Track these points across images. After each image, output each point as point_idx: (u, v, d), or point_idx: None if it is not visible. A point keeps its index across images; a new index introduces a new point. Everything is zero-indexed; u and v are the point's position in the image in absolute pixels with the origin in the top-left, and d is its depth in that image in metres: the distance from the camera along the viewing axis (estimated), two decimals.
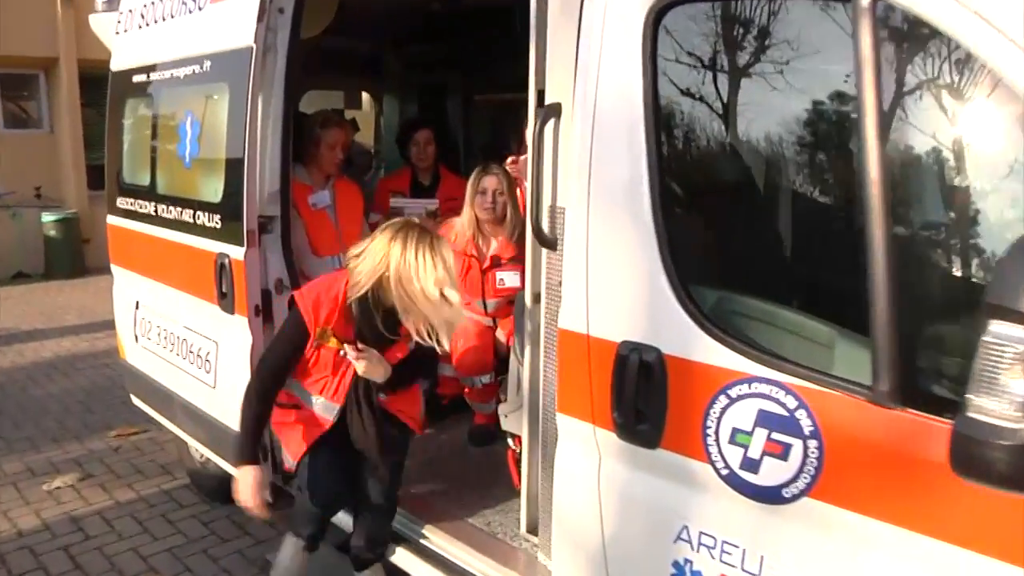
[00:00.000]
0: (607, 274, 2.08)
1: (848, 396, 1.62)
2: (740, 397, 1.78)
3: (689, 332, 1.87)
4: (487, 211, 3.77)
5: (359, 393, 2.75)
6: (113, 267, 4.62)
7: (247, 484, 2.69)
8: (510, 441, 3.13)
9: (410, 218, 3.02)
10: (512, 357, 3.03)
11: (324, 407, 2.79)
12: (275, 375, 2.74)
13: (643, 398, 1.96)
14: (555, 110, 2.40)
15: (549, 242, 2.46)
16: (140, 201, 4.15)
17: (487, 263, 3.83)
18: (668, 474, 1.96)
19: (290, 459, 2.91)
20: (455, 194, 4.45)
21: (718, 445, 1.82)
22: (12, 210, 11.21)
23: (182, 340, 3.91)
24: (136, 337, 4.40)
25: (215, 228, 3.49)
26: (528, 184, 2.51)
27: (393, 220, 2.70)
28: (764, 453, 1.74)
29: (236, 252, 3.35)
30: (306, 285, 2.83)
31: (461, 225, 3.88)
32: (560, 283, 2.25)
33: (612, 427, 2.05)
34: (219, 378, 3.64)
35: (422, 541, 3.04)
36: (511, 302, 3.77)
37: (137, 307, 4.36)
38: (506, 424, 3.05)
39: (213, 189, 3.49)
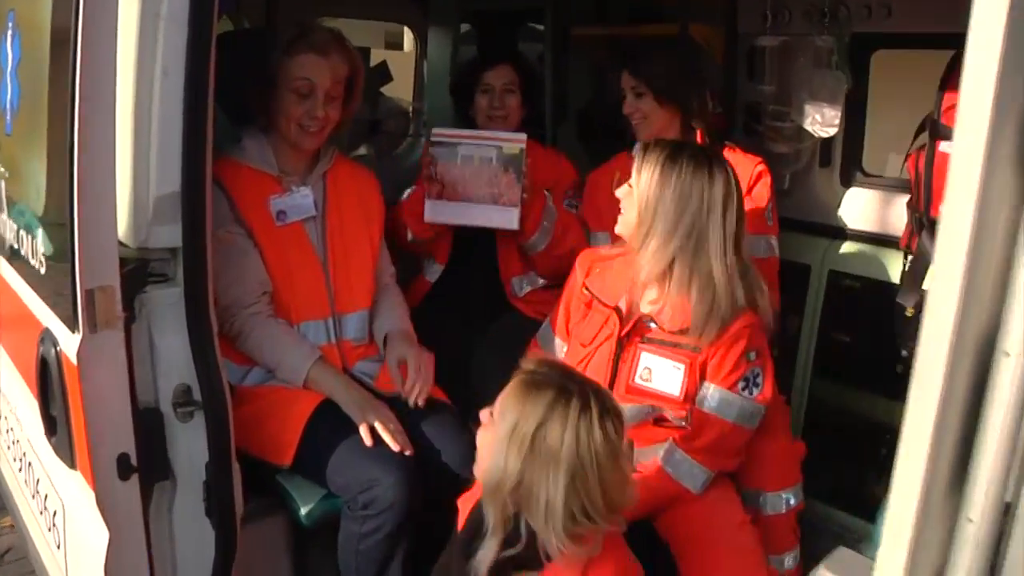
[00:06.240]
0: None
1: None
2: None
3: None
4: None
5: None
6: None
7: None
8: None
9: None
10: None
11: None
12: None
13: None
14: None
15: None
16: None
17: (627, 325, 1.87)
18: None
19: None
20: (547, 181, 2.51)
21: None
22: None
23: (28, 463, 2.04)
24: None
25: (38, 273, 1.57)
26: None
27: None
28: None
29: (66, 338, 1.43)
30: None
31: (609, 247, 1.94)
32: None
33: None
34: (71, 568, 1.78)
35: None
36: (659, 419, 1.84)
37: None
38: None
39: (34, 185, 1.56)
